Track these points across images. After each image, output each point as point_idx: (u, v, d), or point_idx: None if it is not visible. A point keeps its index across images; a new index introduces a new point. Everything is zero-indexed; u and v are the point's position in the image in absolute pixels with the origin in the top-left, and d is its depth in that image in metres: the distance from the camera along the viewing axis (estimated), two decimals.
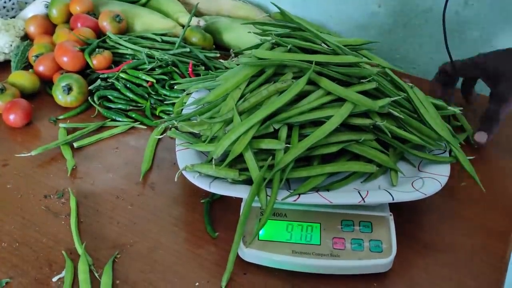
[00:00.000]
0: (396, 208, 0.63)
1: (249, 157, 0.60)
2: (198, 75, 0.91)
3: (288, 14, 0.71)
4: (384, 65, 0.69)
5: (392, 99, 0.63)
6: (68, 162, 0.76)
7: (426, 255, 0.63)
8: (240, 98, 0.63)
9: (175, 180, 0.62)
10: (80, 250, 0.62)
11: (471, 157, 0.65)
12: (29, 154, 0.77)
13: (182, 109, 0.73)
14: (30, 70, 0.95)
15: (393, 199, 0.59)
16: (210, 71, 0.92)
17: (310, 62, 0.62)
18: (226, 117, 0.62)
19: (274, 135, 0.62)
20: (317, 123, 0.62)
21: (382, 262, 0.59)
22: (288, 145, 0.60)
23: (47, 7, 1.08)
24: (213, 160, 0.60)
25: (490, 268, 0.62)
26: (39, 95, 0.93)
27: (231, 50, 1.03)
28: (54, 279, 0.59)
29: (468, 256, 0.63)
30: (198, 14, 1.13)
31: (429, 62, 1.01)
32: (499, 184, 0.74)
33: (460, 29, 0.93)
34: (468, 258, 0.63)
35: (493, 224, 0.67)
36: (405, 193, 0.60)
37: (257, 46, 0.71)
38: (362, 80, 0.63)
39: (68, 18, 1.06)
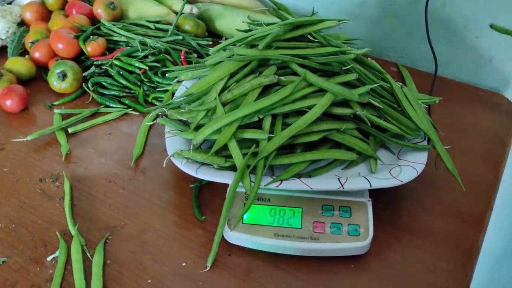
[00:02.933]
0: (376, 194, 0.66)
1: (233, 147, 0.62)
2: (190, 62, 0.93)
3: (280, 7, 0.73)
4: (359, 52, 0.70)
5: (370, 86, 0.65)
6: (63, 147, 0.79)
7: (402, 239, 0.66)
8: (225, 89, 0.66)
9: (164, 165, 0.65)
10: (73, 231, 0.65)
11: (447, 146, 0.68)
12: (25, 139, 0.79)
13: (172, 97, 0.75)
14: (26, 56, 0.97)
15: (370, 186, 0.62)
16: (202, 58, 0.95)
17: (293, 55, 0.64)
18: (209, 106, 0.64)
19: (259, 123, 0.65)
20: (300, 112, 0.65)
21: (359, 245, 0.62)
22: (271, 135, 0.63)
23: None
24: (191, 146, 0.63)
25: (463, 252, 0.65)
26: (35, 81, 0.96)
27: (223, 38, 1.05)
28: (49, 259, 0.63)
29: (442, 240, 0.66)
30: (191, 1, 1.15)
31: (417, 51, 1.03)
32: (475, 171, 0.77)
33: (446, 19, 0.95)
34: (442, 242, 0.66)
35: (468, 210, 0.70)
36: (382, 180, 0.63)
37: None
38: (343, 68, 0.65)
39: (64, 4, 1.08)
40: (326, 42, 0.67)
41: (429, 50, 0.92)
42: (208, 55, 0.97)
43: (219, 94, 0.66)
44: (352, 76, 0.65)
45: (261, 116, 0.64)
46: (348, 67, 0.65)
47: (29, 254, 0.64)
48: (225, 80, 0.66)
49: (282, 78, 0.64)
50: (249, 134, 0.63)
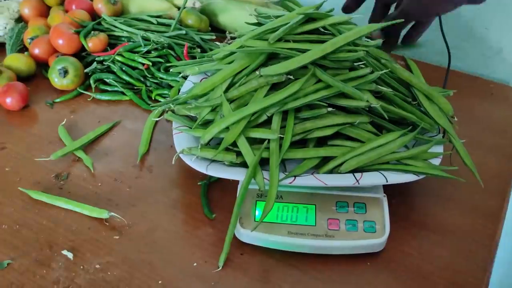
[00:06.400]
0: (390, 189, 0.65)
1: (242, 144, 0.60)
2: (193, 57, 0.91)
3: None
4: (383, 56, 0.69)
5: (380, 73, 0.63)
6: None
7: (418, 235, 0.65)
8: (232, 85, 0.64)
9: (173, 163, 0.63)
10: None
11: (463, 140, 0.66)
12: (48, 159, 0.73)
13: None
14: (26, 53, 0.95)
15: (386, 181, 0.60)
16: (205, 53, 0.92)
17: (301, 50, 0.62)
18: (215, 102, 0.62)
19: (269, 121, 0.62)
20: (313, 105, 0.63)
21: (375, 242, 0.60)
22: (282, 135, 0.61)
23: None
24: (199, 145, 0.61)
25: (481, 247, 0.64)
26: (35, 78, 0.93)
27: (227, 32, 1.03)
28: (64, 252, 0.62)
29: (459, 235, 0.65)
30: None
31: (424, 43, 1.01)
32: (491, 166, 0.75)
33: (454, 11, 0.93)
34: (459, 238, 0.65)
35: (484, 205, 0.69)
36: (398, 175, 0.61)
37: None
38: (355, 64, 0.63)
39: (63, 0, 1.05)
40: (338, 34, 0.65)
41: (436, 42, 0.90)
42: (211, 49, 0.95)
43: (226, 90, 0.64)
44: (365, 71, 0.63)
45: (269, 115, 0.62)
46: (360, 63, 0.63)
47: (34, 256, 0.61)
48: (230, 80, 0.64)
49: (291, 77, 0.62)
50: (258, 134, 0.61)
